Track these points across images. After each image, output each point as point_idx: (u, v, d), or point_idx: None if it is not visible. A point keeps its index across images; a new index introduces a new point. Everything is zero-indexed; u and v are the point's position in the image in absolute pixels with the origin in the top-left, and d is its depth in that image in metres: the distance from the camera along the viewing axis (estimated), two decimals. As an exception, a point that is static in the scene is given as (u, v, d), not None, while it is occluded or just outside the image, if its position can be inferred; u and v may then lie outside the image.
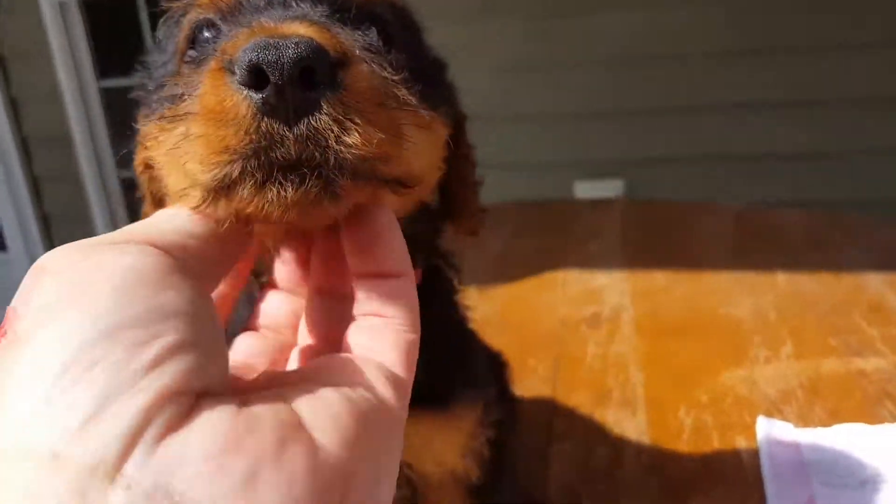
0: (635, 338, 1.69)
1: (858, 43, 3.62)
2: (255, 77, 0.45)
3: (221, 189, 0.48)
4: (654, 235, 2.41)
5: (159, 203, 0.74)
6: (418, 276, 0.71)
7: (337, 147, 0.47)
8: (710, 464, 1.23)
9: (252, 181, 0.47)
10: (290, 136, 0.46)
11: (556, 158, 4.03)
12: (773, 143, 3.82)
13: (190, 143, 0.49)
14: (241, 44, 0.47)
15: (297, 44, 0.45)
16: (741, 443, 1.28)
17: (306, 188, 0.47)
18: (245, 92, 0.46)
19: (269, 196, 0.47)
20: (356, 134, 0.47)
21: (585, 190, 3.99)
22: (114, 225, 4.98)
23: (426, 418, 0.73)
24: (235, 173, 0.47)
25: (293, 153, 0.46)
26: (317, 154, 0.46)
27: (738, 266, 2.10)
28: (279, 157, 0.46)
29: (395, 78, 0.53)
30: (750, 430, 1.31)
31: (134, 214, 0.74)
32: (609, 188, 3.99)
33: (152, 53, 0.73)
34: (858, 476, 1.14)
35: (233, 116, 0.46)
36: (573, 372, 1.56)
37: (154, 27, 0.75)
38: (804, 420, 1.32)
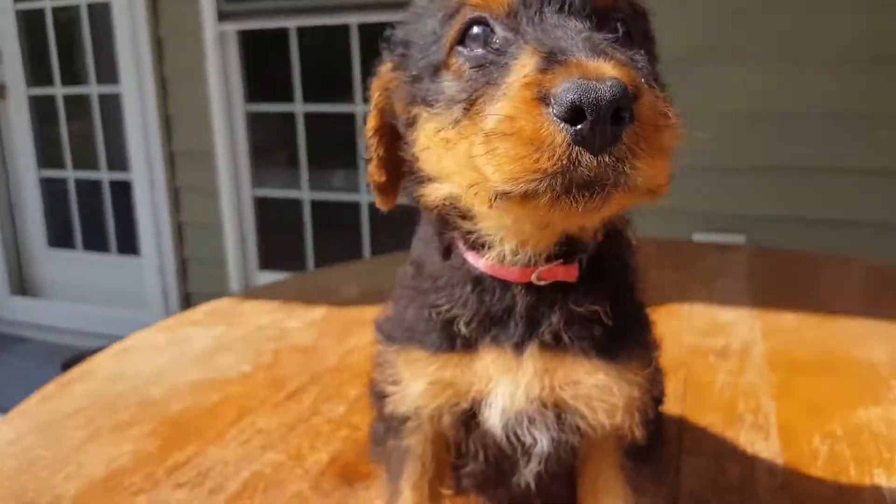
0: (766, 370, 1.70)
1: None
2: (574, 113, 0.56)
3: (519, 197, 0.61)
4: (782, 279, 2.39)
5: (387, 166, 0.87)
6: (599, 236, 0.80)
7: (630, 171, 0.58)
8: (847, 492, 1.24)
9: (551, 195, 0.59)
10: (595, 162, 0.57)
11: (678, 206, 4.03)
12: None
13: (496, 157, 0.60)
14: (558, 80, 0.57)
15: (611, 87, 0.55)
16: (880, 476, 1.27)
17: (593, 201, 0.59)
18: (562, 125, 0.57)
19: (563, 206, 0.60)
20: (645, 159, 0.59)
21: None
22: (242, 238, 5.33)
23: (602, 368, 0.80)
24: (540, 189, 0.59)
25: (592, 175, 0.58)
26: (611, 175, 0.58)
27: (871, 315, 2.07)
28: (579, 176, 0.58)
29: (661, 95, 0.64)
30: (890, 464, 1.30)
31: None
32: (730, 241, 3.96)
33: (413, 20, 0.82)
34: None
35: (548, 144, 0.57)
36: (702, 395, 1.59)
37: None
38: (948, 461, 1.30)
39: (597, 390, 0.81)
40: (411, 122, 0.78)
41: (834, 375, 1.68)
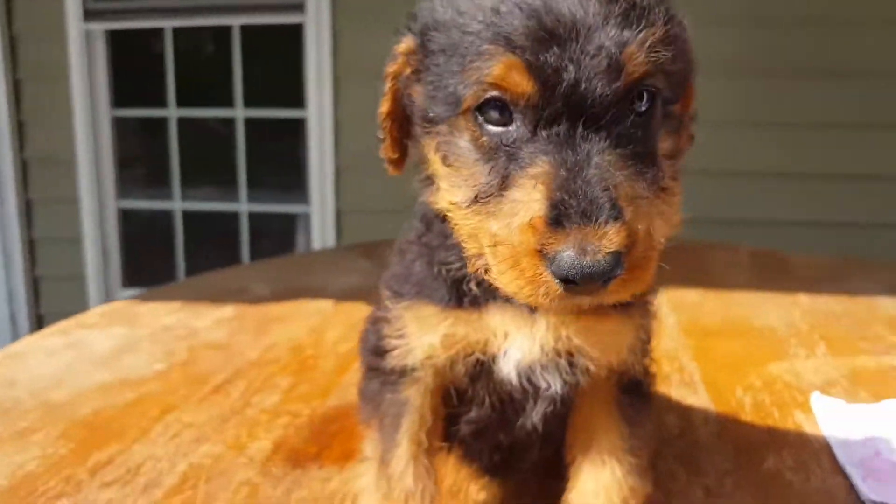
0: (682, 336, 1.81)
1: None
2: (567, 280, 0.66)
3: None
4: (679, 262, 2.54)
5: (398, 144, 0.92)
6: None
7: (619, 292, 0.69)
8: (775, 432, 1.33)
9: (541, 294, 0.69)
10: (585, 299, 0.70)
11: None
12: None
13: (500, 268, 0.72)
14: (558, 247, 0.66)
15: (605, 264, 0.65)
16: (799, 416, 1.38)
17: (580, 300, 0.70)
18: (556, 280, 0.67)
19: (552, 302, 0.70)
20: (633, 285, 0.69)
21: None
22: (104, 252, 4.97)
23: (613, 314, 0.85)
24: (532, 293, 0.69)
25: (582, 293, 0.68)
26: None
27: (759, 289, 2.25)
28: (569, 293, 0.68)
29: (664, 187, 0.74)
30: (805, 406, 1.42)
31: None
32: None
33: (441, 13, 0.81)
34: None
35: (542, 283, 0.68)
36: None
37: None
38: (852, 401, 1.43)
39: (608, 334, 0.85)
40: (425, 135, 0.83)
41: (741, 338, 1.81)
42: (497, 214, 0.72)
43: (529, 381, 0.87)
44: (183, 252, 5.09)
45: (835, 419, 1.33)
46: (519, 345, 0.85)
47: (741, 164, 4.05)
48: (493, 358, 0.87)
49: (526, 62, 0.70)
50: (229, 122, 4.80)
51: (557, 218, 0.66)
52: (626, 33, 0.70)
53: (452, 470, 1.18)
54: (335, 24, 4.34)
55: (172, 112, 4.83)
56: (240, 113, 4.76)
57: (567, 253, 0.65)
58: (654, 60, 0.71)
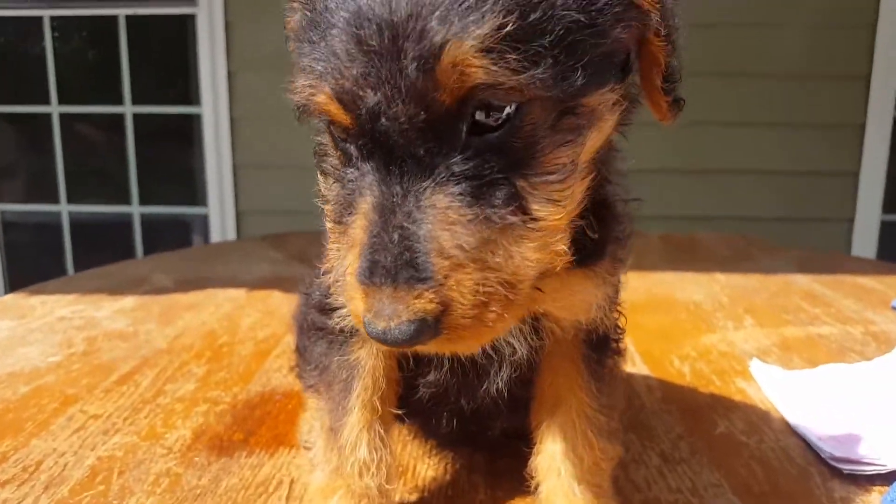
0: (613, 312, 1.78)
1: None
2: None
3: None
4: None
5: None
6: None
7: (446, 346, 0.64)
8: (719, 398, 1.32)
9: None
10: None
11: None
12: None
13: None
14: (364, 311, 0.61)
15: (397, 337, 0.59)
16: (741, 383, 1.38)
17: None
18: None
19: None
20: (462, 343, 0.63)
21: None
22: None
23: (577, 273, 0.77)
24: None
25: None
26: None
27: (673, 268, 2.28)
28: None
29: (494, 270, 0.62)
30: (745, 374, 1.41)
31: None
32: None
33: (302, 37, 0.69)
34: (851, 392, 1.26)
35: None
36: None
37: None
38: (788, 368, 1.44)
39: (574, 293, 0.78)
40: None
41: (669, 313, 1.81)
42: (345, 247, 0.67)
43: (492, 346, 0.80)
44: (72, 260, 4.71)
45: (777, 384, 1.33)
46: None
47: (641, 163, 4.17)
48: None
49: (336, 91, 0.61)
50: (118, 119, 4.49)
51: (367, 272, 0.61)
52: (449, 31, 0.56)
53: (398, 446, 1.08)
54: (228, 15, 4.15)
55: (55, 108, 4.47)
56: (128, 110, 4.47)
57: (367, 317, 0.61)
58: (497, 63, 0.57)
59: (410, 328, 0.59)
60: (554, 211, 0.63)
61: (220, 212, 4.44)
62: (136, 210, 4.63)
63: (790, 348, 1.57)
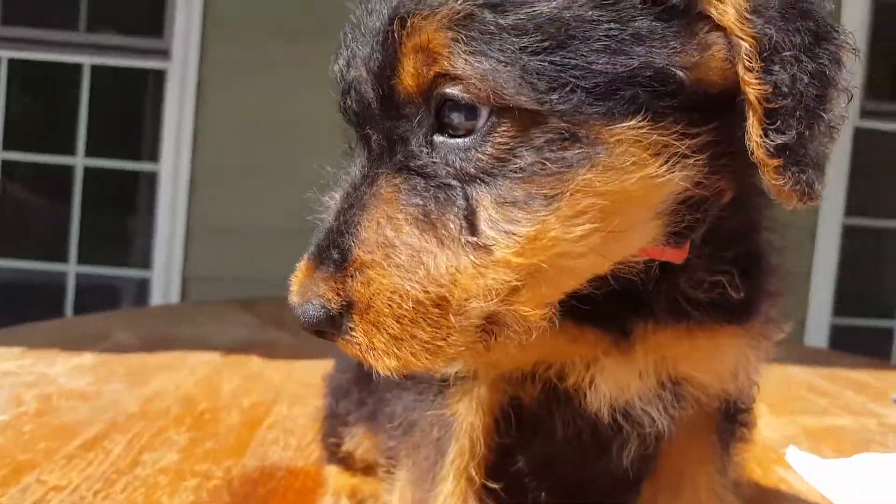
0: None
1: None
2: None
3: None
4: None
5: None
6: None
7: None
8: (765, 488, 1.22)
9: None
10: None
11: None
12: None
13: None
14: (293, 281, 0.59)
15: (302, 315, 0.57)
16: (781, 471, 1.29)
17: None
18: None
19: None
20: (374, 353, 0.57)
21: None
22: None
23: (726, 330, 0.67)
24: None
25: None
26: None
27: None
28: None
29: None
30: (781, 461, 1.33)
31: None
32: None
33: None
34: None
35: None
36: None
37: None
38: (822, 456, 1.36)
39: (722, 354, 0.68)
40: None
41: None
42: None
43: (626, 417, 0.68)
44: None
45: (823, 473, 1.24)
46: (611, 375, 0.66)
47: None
48: (575, 388, 0.67)
49: (333, 72, 0.62)
50: (67, 171, 4.25)
51: (310, 249, 0.60)
52: (419, 6, 0.53)
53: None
54: (201, 73, 4.05)
55: (-3, 154, 4.21)
56: (80, 161, 4.24)
57: (291, 287, 0.59)
58: (467, 54, 0.51)
59: (312, 311, 0.56)
60: (505, 243, 0.53)
61: (165, 276, 4.19)
62: (71, 269, 4.33)
63: (815, 438, 1.49)
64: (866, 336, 4.42)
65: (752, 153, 0.53)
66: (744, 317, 0.67)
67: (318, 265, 0.57)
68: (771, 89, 0.52)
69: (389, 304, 0.54)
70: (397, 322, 0.54)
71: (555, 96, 0.50)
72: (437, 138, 0.55)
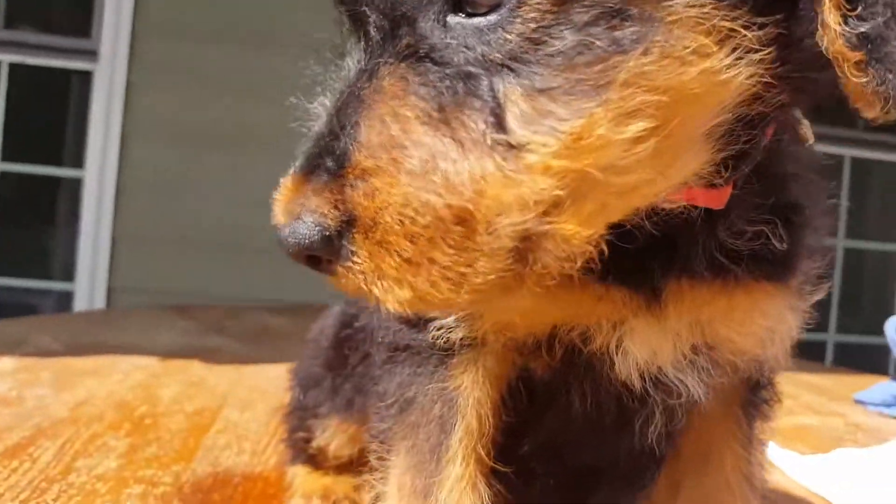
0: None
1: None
2: None
3: None
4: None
5: None
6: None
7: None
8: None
9: None
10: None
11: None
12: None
13: None
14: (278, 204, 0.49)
15: (290, 236, 0.46)
16: (762, 468, 1.25)
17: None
18: None
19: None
20: (378, 279, 0.46)
21: None
22: None
23: (764, 287, 0.59)
24: None
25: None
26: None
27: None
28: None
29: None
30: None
31: None
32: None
33: None
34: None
35: None
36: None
37: None
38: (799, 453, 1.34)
39: (760, 316, 0.60)
40: None
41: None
42: None
43: (657, 385, 0.60)
44: None
45: (803, 470, 1.22)
46: (641, 338, 0.57)
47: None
48: (601, 354, 0.59)
49: None
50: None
51: (297, 163, 0.49)
52: None
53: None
54: (130, 75, 3.85)
55: None
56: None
57: (275, 209, 0.49)
58: None
59: (304, 230, 0.45)
60: (542, 142, 0.43)
61: (89, 288, 3.93)
62: (-16, 282, 4.02)
63: (787, 437, 1.46)
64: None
65: (828, 48, 0.45)
66: (784, 273, 0.60)
67: (309, 176, 0.47)
68: None
69: (401, 220, 0.44)
70: (411, 242, 0.44)
71: None
72: (453, 18, 0.45)
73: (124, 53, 3.83)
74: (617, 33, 0.43)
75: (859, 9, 0.44)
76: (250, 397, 1.41)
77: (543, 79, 0.44)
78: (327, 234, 0.45)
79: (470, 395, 0.60)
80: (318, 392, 0.90)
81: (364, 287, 0.46)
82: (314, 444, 0.89)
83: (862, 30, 0.44)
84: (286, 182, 0.48)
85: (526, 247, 0.45)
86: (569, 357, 0.59)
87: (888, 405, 1.69)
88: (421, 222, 0.44)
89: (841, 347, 4.70)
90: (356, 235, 0.45)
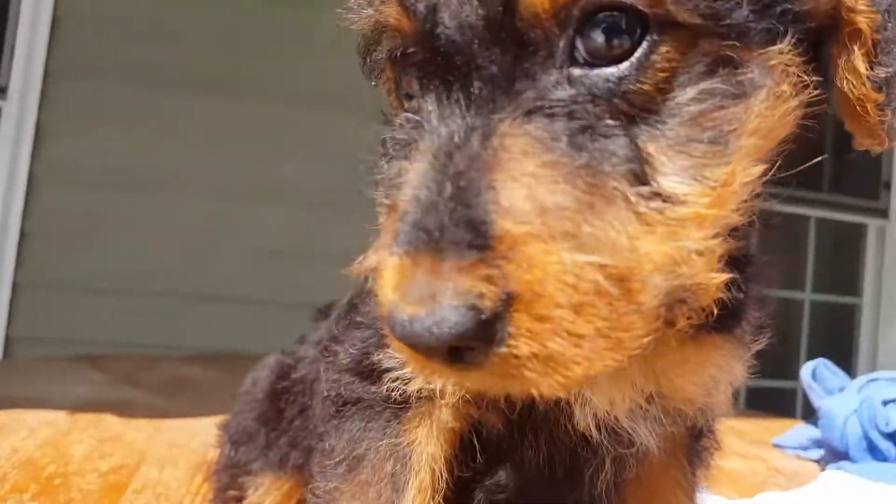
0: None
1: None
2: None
3: None
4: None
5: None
6: None
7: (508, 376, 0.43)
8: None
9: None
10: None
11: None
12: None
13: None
14: (389, 293, 0.42)
15: (431, 330, 0.40)
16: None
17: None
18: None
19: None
20: (535, 369, 0.41)
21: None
22: None
23: (717, 341, 0.60)
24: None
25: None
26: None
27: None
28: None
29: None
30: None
31: None
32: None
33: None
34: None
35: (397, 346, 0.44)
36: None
37: None
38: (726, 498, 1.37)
39: (714, 368, 0.61)
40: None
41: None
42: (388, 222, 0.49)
43: (611, 434, 0.59)
44: None
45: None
46: (602, 387, 0.56)
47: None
48: (564, 404, 0.58)
49: None
50: None
51: (402, 238, 0.42)
52: None
53: None
54: (41, 115, 3.69)
55: None
56: None
57: (392, 302, 0.41)
58: None
59: (456, 317, 0.38)
60: (694, 191, 0.43)
61: (-16, 337, 3.67)
62: None
63: (712, 480, 1.48)
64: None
65: (851, 90, 0.49)
66: (733, 324, 0.61)
67: (443, 253, 0.40)
68: (881, 18, 0.48)
69: (562, 290, 0.39)
70: (576, 314, 0.40)
71: (721, 9, 0.43)
72: (575, 70, 0.43)
73: (35, 92, 3.67)
74: (737, 80, 0.45)
75: (879, 56, 0.49)
76: (170, 453, 1.33)
77: (678, 127, 0.44)
78: (483, 317, 0.39)
79: (424, 450, 0.58)
80: (251, 447, 0.85)
81: (514, 373, 0.41)
82: (246, 502, 0.84)
83: (883, 74, 0.49)
84: (395, 263, 0.42)
85: (672, 301, 0.44)
86: (528, 408, 0.58)
87: (805, 448, 1.75)
88: (582, 289, 0.40)
89: (752, 391, 4.88)
90: (516, 314, 0.39)
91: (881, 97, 0.50)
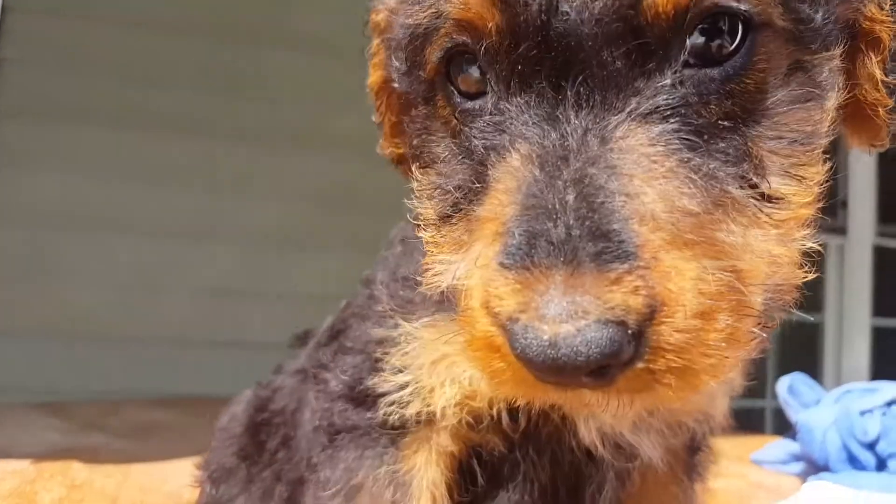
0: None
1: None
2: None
3: None
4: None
5: (401, 133, 0.61)
6: None
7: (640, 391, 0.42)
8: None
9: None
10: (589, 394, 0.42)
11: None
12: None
13: (463, 329, 0.44)
14: (509, 309, 0.39)
15: (579, 350, 0.37)
16: None
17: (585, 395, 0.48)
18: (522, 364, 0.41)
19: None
20: (669, 384, 0.39)
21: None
22: None
23: None
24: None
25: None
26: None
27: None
28: None
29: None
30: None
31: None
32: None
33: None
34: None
35: (505, 369, 0.42)
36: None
37: None
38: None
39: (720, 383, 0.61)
40: (407, 124, 0.58)
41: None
42: (463, 246, 0.46)
43: (615, 448, 0.59)
44: None
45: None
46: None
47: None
48: (570, 420, 0.58)
49: None
50: None
51: (520, 250, 0.39)
52: None
53: None
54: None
55: None
56: None
57: (520, 320, 0.38)
58: None
59: (604, 335, 0.36)
60: (799, 191, 0.45)
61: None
62: None
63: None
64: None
65: (865, 94, 0.52)
66: None
67: (574, 266, 0.37)
68: None
69: (698, 298, 0.38)
70: (712, 320, 0.39)
71: (805, 14, 0.44)
72: (687, 71, 0.43)
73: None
74: (813, 81, 0.46)
75: (891, 63, 0.51)
76: (144, 498, 1.28)
77: (777, 128, 0.44)
78: (631, 331, 0.37)
79: (424, 476, 0.57)
80: (232, 483, 0.82)
81: (647, 388, 0.39)
82: (230, 540, 0.81)
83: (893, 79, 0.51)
84: (521, 279, 0.38)
85: (770, 303, 0.43)
86: (532, 428, 0.57)
87: (784, 462, 1.76)
88: (711, 297, 0.39)
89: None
90: (657, 327, 0.38)
91: (892, 101, 0.52)
